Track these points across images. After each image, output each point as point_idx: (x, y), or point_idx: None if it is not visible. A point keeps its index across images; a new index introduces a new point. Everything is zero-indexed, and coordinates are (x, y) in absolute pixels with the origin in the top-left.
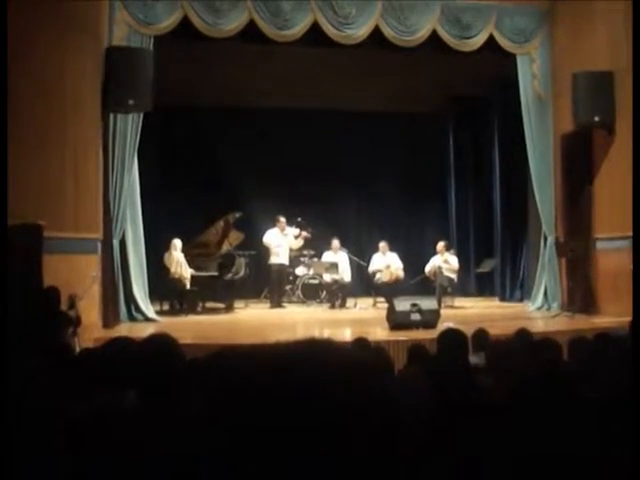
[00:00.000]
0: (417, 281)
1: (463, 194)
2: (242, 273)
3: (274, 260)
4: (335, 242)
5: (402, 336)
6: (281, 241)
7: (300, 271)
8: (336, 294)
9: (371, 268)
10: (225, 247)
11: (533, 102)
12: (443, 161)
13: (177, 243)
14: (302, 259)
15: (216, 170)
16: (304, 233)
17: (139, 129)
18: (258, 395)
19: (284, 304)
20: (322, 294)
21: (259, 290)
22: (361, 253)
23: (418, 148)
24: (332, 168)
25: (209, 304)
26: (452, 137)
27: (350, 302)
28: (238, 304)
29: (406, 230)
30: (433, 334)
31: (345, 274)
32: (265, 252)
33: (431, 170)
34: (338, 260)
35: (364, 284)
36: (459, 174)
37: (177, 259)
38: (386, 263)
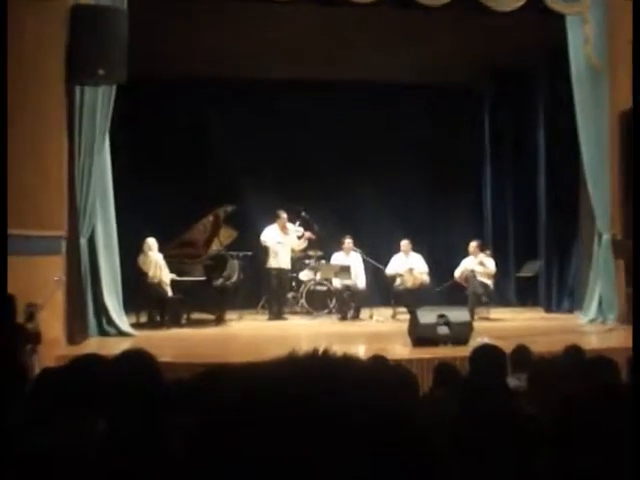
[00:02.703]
0: (445, 288)
1: (501, 184)
2: (235, 278)
3: (273, 263)
4: (347, 241)
5: (427, 354)
6: (282, 240)
7: (305, 276)
8: (348, 303)
9: (390, 272)
10: (215, 247)
11: (586, 73)
12: (478, 145)
13: (151, 243)
14: (307, 261)
15: (205, 155)
16: (308, 234)
17: (111, 105)
18: (256, 424)
19: (285, 315)
20: (331, 303)
21: (256, 299)
22: (378, 254)
23: (448, 129)
24: (345, 153)
25: (195, 315)
26: (488, 116)
27: (365, 313)
28: (230, 315)
29: (432, 226)
30: (465, 351)
31: (359, 279)
32: (263, 253)
33: (463, 155)
34: (350, 262)
35: (382, 291)
36: (496, 160)
37: (155, 261)
38: (408, 266)
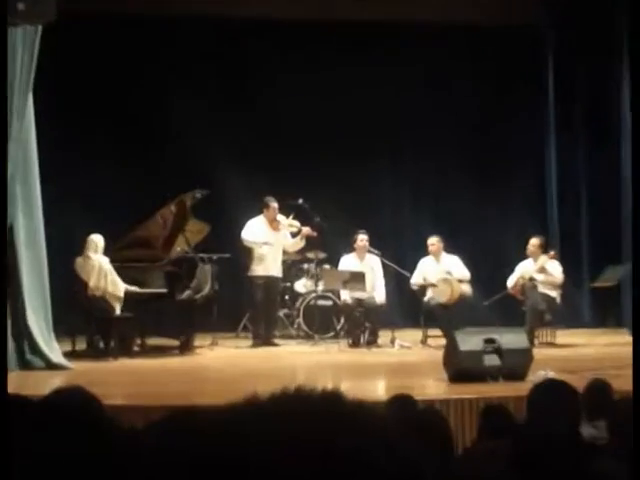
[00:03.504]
0: (495, 302)
1: (570, 160)
2: (207, 290)
3: (260, 269)
4: (360, 238)
5: (470, 392)
6: (271, 238)
7: (302, 286)
8: (361, 324)
9: (418, 281)
10: (179, 247)
11: None
12: (537, 105)
13: (97, 241)
14: (305, 267)
15: (165, 121)
16: (306, 229)
17: (35, 51)
18: None
19: (276, 340)
20: (339, 324)
21: (235, 318)
22: (402, 257)
23: (497, 83)
24: (356, 120)
25: (152, 340)
26: (552, 64)
27: (384, 336)
28: (201, 340)
29: (475, 219)
30: (521, 389)
31: (376, 291)
32: (245, 256)
33: (518, 121)
34: (365, 268)
35: (407, 307)
36: (565, 131)
37: (99, 266)
38: (443, 273)
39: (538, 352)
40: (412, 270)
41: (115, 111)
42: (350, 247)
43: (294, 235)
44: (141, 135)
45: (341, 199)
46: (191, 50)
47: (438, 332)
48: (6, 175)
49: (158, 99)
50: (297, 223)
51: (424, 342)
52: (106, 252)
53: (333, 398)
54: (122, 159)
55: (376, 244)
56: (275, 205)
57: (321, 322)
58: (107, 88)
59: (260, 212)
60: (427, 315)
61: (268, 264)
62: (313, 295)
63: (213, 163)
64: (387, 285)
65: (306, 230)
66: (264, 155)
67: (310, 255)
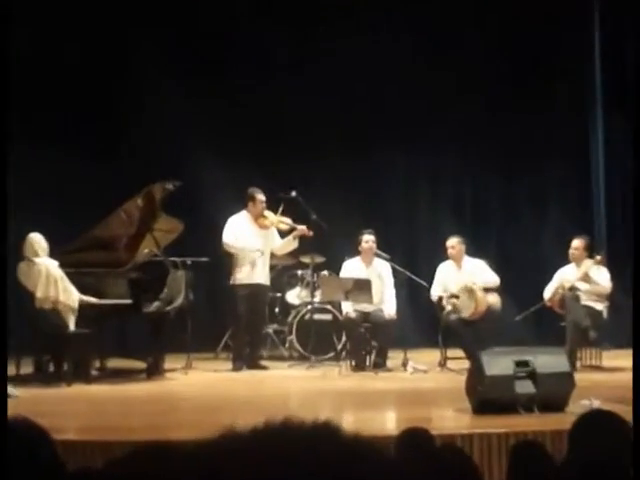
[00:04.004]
0: (529, 316)
1: (620, 143)
2: (180, 301)
3: (243, 275)
4: (366, 238)
5: (498, 425)
6: (257, 239)
7: (295, 297)
8: (367, 342)
9: (437, 291)
10: (146, 249)
11: None
12: (581, 76)
13: (37, 241)
14: (299, 273)
15: (129, 98)
16: (300, 227)
17: None
18: None
19: (263, 362)
20: (339, 342)
21: (214, 335)
22: (416, 261)
23: (530, 48)
24: (360, 100)
25: (114, 362)
26: (598, 23)
27: (395, 358)
28: (173, 362)
29: (503, 217)
30: (561, 422)
31: (386, 303)
32: (227, 260)
33: (558, 97)
34: (371, 275)
35: (422, 322)
36: (611, 101)
37: (46, 272)
38: (465, 280)
39: (581, 377)
40: (427, 277)
41: (66, 81)
42: (354, 250)
43: (284, 233)
44: (100, 113)
45: (343, 192)
46: (165, 29)
47: (460, 353)
48: (6, 177)
49: (123, 70)
50: (289, 220)
51: (443, 365)
52: (54, 254)
53: (328, 432)
54: (76, 143)
55: (385, 246)
56: (262, 198)
57: (318, 340)
58: (58, 52)
59: (244, 207)
60: (446, 332)
61: (254, 269)
62: (309, 307)
63: (189, 150)
64: (398, 296)
65: (300, 229)
66: (249, 141)
67: (305, 259)
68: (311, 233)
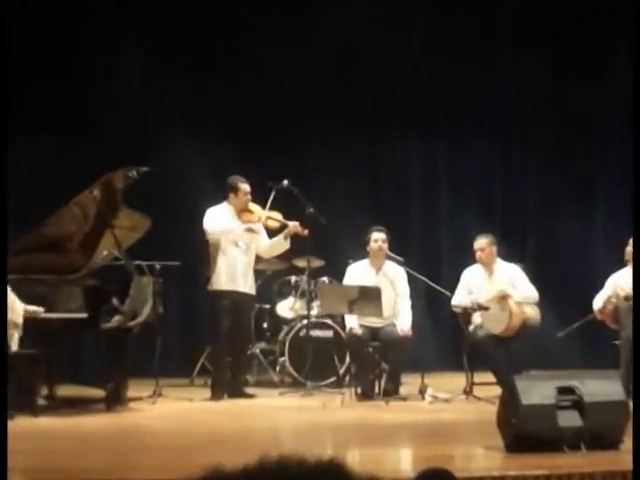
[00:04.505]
0: (574, 332)
1: None
2: (146, 314)
3: (224, 282)
4: (375, 239)
5: (537, 466)
6: (240, 236)
7: (288, 309)
8: (376, 365)
9: (460, 302)
10: (105, 251)
11: None
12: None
13: None
14: (293, 279)
15: (90, 74)
16: (293, 224)
17: None
18: None
19: (248, 390)
20: (342, 365)
21: (189, 355)
22: (436, 266)
23: (574, 25)
24: (370, 79)
25: (66, 389)
26: None
27: (411, 384)
28: (138, 389)
29: (541, 214)
30: (615, 461)
31: (399, 316)
32: (206, 264)
33: (603, 79)
34: (381, 282)
35: (444, 340)
36: None
37: None
38: (497, 290)
39: None
40: (450, 285)
41: (20, 58)
42: (360, 251)
43: (275, 233)
44: (55, 92)
45: (347, 183)
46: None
47: (489, 377)
48: (6, 175)
49: (86, 45)
50: (279, 215)
51: (469, 392)
52: None
53: (332, 473)
54: (28, 126)
55: (398, 248)
56: (247, 188)
57: (316, 362)
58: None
59: (224, 198)
60: (473, 352)
61: (237, 274)
62: (304, 322)
63: (159, 132)
64: (414, 307)
65: (292, 225)
66: (234, 122)
67: (299, 263)
68: (306, 231)
